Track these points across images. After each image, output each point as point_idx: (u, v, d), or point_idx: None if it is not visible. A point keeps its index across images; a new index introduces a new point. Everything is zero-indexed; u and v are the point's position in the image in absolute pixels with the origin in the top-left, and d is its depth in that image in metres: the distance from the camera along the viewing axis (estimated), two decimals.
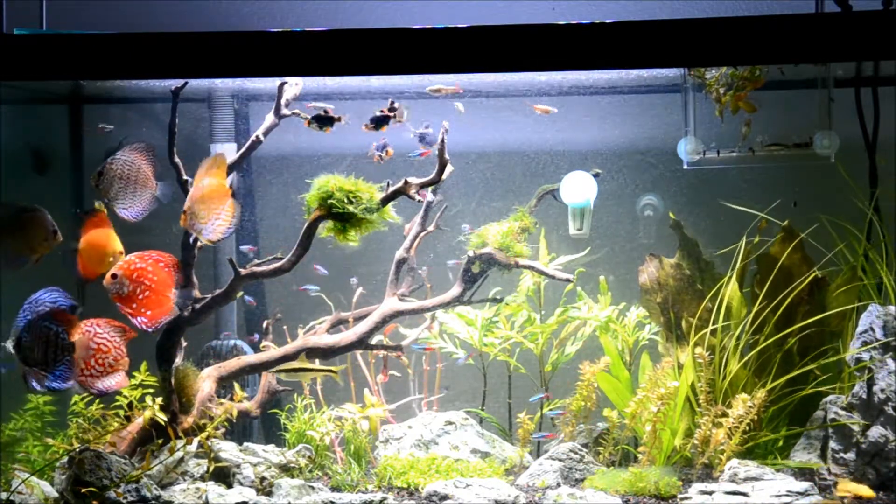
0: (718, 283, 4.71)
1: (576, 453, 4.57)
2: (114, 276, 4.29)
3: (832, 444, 4.39)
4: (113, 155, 4.21)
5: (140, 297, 4.32)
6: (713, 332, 4.65)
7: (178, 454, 4.36)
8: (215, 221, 4.36)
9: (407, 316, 4.79)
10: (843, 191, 4.84)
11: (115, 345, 4.33)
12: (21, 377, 4.28)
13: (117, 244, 4.43)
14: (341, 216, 4.47)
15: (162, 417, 4.40)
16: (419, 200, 4.57)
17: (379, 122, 4.50)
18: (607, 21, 3.91)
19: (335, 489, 4.42)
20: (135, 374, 4.59)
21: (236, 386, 4.71)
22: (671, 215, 4.85)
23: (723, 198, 4.90)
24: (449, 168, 4.54)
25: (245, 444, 4.56)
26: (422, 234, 4.82)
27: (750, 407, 4.42)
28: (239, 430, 4.93)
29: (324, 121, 4.49)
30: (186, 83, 4.43)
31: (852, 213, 4.79)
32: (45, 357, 4.17)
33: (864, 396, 4.39)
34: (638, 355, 4.88)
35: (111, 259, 4.38)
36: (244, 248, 5.02)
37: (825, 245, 4.75)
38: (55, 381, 4.19)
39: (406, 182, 4.50)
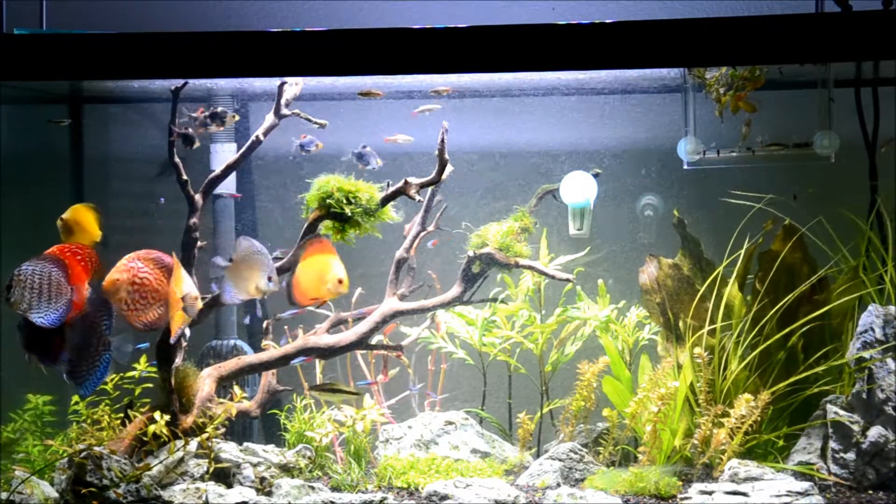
0: (712, 280, 4.71)
1: (576, 453, 4.57)
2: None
3: (832, 444, 4.39)
4: (19, 266, 4.13)
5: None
6: (712, 331, 4.66)
7: (178, 454, 4.35)
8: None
9: (407, 316, 4.79)
10: (845, 189, 4.85)
11: (156, 276, 4.29)
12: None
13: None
14: (340, 216, 4.47)
15: (165, 431, 4.39)
16: (419, 200, 4.57)
17: (186, 140, 4.57)
18: (607, 21, 3.91)
19: (335, 489, 4.42)
20: (135, 365, 4.60)
21: (236, 387, 4.71)
22: (675, 213, 4.85)
23: (723, 197, 4.92)
24: (449, 168, 4.54)
25: (245, 444, 4.56)
26: (422, 233, 4.83)
27: (752, 408, 4.41)
28: (239, 430, 4.94)
29: (186, 139, 4.55)
30: (186, 83, 4.44)
31: (854, 212, 4.79)
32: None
33: (864, 396, 4.39)
34: (638, 355, 4.88)
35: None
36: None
37: (827, 243, 4.75)
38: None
39: (406, 182, 4.50)
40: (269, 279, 4.32)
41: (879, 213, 4.80)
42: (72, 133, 5.33)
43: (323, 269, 4.42)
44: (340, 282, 4.41)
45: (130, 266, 4.28)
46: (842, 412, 4.40)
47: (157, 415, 4.40)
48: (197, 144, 4.60)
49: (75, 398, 4.64)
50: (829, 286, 4.71)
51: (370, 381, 4.88)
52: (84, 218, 4.47)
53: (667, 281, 4.79)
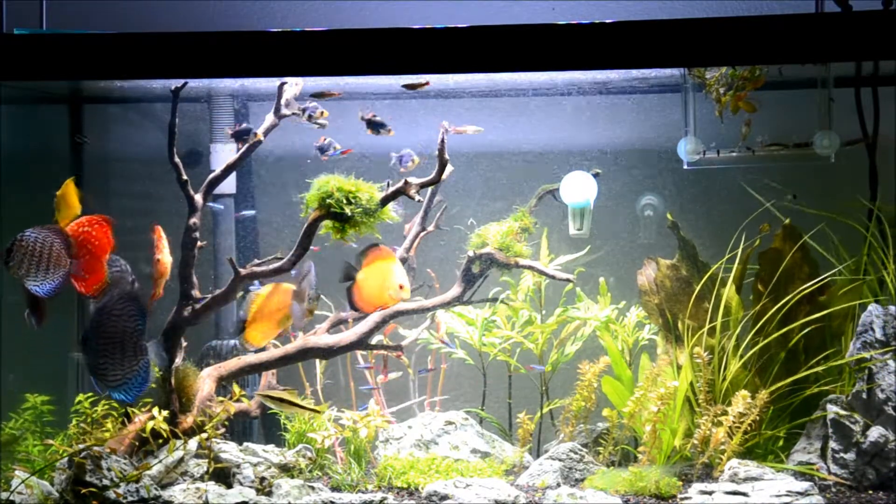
0: (711, 281, 4.71)
1: (576, 453, 4.57)
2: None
3: (832, 444, 4.39)
4: (23, 232, 4.11)
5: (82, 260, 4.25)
6: (711, 332, 4.66)
7: (178, 454, 4.36)
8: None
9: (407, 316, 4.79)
10: (845, 190, 4.85)
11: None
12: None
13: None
14: (340, 216, 4.47)
15: (163, 428, 4.39)
16: (419, 201, 4.57)
17: (238, 136, 4.61)
18: (607, 21, 3.91)
19: (335, 489, 4.42)
20: None
21: (235, 386, 4.70)
22: (669, 216, 4.85)
23: (723, 197, 4.91)
24: (449, 168, 4.54)
25: (245, 444, 4.56)
26: (422, 233, 4.83)
27: (750, 405, 4.41)
28: (239, 430, 4.94)
29: (240, 135, 4.59)
30: (186, 83, 4.44)
31: (853, 212, 4.79)
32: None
33: (865, 396, 4.39)
34: (638, 355, 4.89)
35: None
36: None
37: (826, 243, 4.75)
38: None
39: (406, 182, 4.49)
40: (309, 297, 4.41)
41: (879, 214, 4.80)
42: (72, 133, 5.33)
43: (384, 276, 4.44)
44: (401, 287, 4.42)
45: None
46: (842, 412, 4.40)
47: (156, 413, 4.40)
48: (260, 138, 4.57)
49: (79, 397, 4.63)
50: (830, 287, 4.71)
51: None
52: (68, 192, 4.45)
53: (665, 282, 4.79)
